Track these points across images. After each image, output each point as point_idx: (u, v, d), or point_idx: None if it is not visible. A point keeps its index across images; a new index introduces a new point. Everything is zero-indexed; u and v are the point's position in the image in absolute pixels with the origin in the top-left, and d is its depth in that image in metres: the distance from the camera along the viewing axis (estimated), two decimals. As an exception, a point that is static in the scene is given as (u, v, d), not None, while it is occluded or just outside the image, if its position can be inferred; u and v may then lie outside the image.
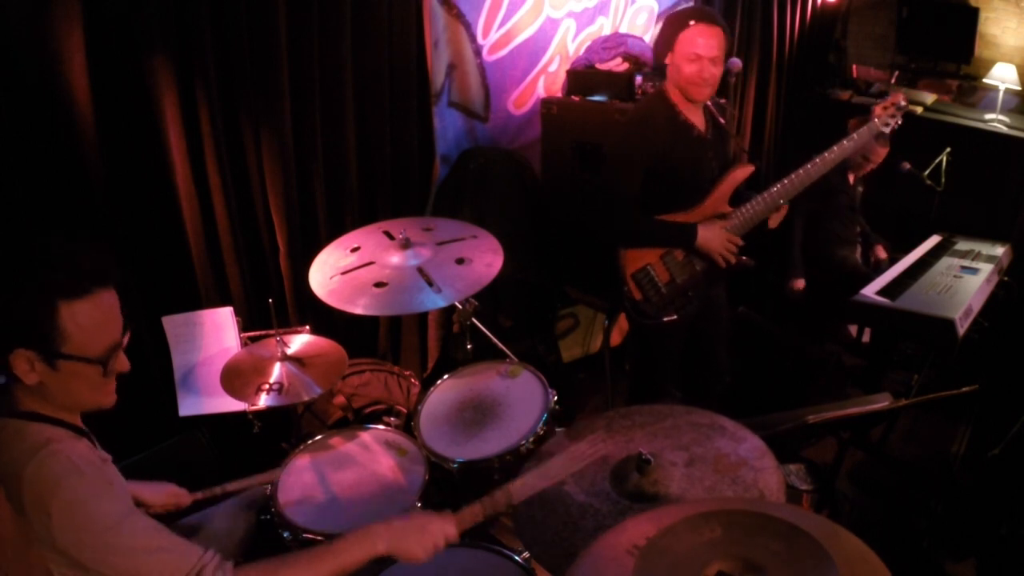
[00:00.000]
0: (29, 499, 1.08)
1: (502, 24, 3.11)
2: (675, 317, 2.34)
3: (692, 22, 2.14)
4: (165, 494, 1.65)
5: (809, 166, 2.31)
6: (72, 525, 1.08)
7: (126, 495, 1.21)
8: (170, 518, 1.67)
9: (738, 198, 2.33)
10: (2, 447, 1.13)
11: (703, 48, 2.11)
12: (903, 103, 2.44)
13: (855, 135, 2.42)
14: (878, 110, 2.46)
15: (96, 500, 1.11)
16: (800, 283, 3.41)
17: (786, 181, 2.30)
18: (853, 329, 3.77)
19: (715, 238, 2.26)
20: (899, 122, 2.46)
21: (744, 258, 2.34)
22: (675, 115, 2.23)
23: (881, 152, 3.40)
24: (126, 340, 1.24)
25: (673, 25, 2.16)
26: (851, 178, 3.49)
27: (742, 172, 2.31)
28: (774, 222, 2.40)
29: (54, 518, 1.07)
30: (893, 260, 3.40)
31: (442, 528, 1.32)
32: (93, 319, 1.15)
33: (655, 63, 2.20)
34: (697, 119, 2.27)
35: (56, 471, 1.10)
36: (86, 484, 1.11)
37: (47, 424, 1.17)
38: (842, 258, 3.47)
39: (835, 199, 3.45)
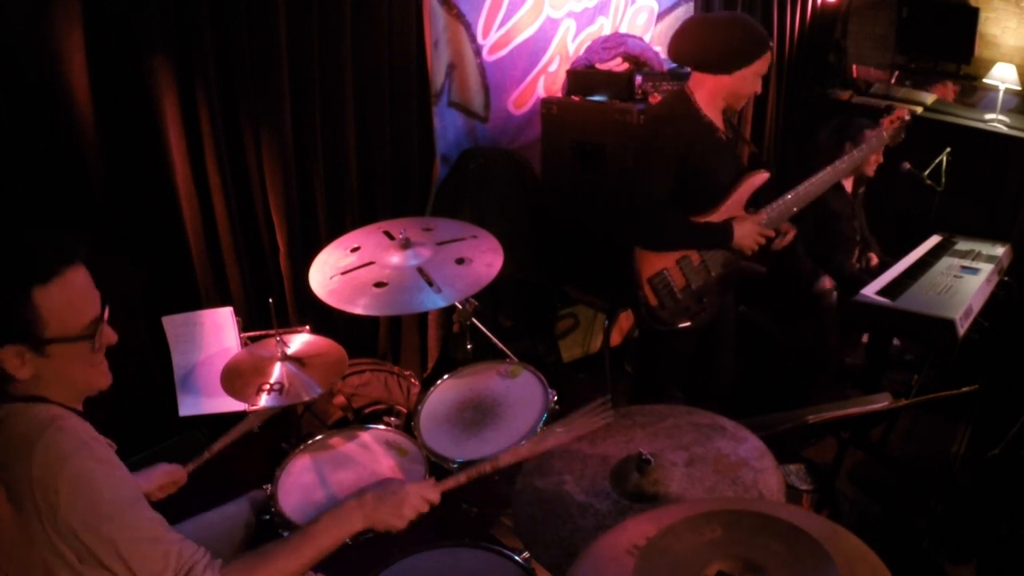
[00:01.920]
0: (37, 477, 1.07)
1: (502, 24, 3.11)
2: (689, 324, 2.32)
3: (770, 43, 2.23)
4: (160, 474, 1.65)
5: (822, 174, 2.35)
6: (79, 501, 1.08)
7: (133, 480, 1.20)
8: (170, 509, 1.67)
9: (752, 203, 2.33)
10: (7, 429, 1.12)
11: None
12: (907, 118, 2.56)
13: (864, 145, 2.56)
14: (886, 123, 2.57)
15: (104, 478, 1.11)
16: (827, 282, 3.32)
17: (807, 184, 2.35)
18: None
19: (748, 234, 2.25)
20: (903, 136, 2.57)
21: (756, 265, 2.34)
22: (700, 116, 2.22)
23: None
24: (107, 313, 1.22)
25: (757, 45, 2.16)
26: (847, 185, 3.47)
27: (759, 178, 2.30)
28: (779, 245, 2.40)
29: (62, 494, 1.06)
30: (886, 264, 3.38)
31: (420, 492, 1.35)
32: (68, 298, 1.14)
33: (705, 66, 2.18)
34: (720, 122, 2.27)
35: (65, 447, 1.09)
36: (95, 460, 1.11)
37: (52, 405, 1.17)
38: (839, 264, 3.46)
39: (835, 205, 3.41)
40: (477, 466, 1.39)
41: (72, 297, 1.15)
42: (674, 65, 3.25)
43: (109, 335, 1.23)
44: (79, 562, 1.10)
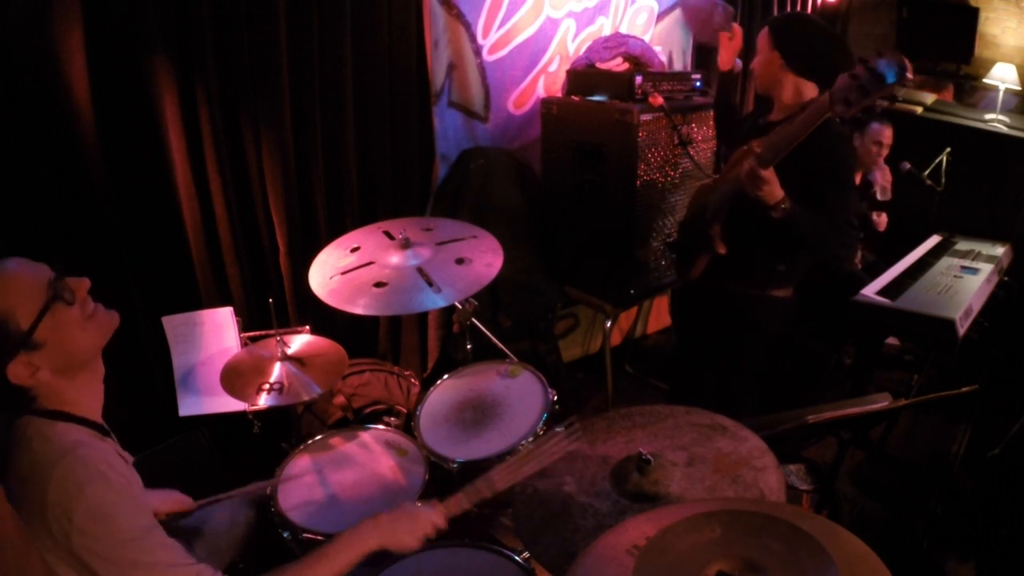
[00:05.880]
0: (52, 502, 1.07)
1: (502, 24, 3.11)
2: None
3: None
4: (171, 501, 1.65)
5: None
6: (92, 533, 1.08)
7: (148, 506, 1.20)
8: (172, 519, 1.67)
9: None
10: (28, 447, 1.12)
11: None
12: None
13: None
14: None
15: (119, 510, 1.11)
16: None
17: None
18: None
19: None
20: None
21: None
22: None
23: (886, 132, 3.38)
24: (74, 284, 1.19)
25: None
26: (857, 178, 3.46)
27: None
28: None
29: (75, 524, 1.07)
30: (875, 264, 3.37)
31: (430, 517, 1.37)
32: (20, 286, 1.12)
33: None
34: None
35: (82, 477, 1.09)
36: (111, 493, 1.11)
37: (73, 424, 1.17)
38: (838, 262, 3.45)
39: None
40: (475, 489, 1.41)
41: (22, 283, 1.13)
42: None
43: (75, 283, 1.19)
44: None
